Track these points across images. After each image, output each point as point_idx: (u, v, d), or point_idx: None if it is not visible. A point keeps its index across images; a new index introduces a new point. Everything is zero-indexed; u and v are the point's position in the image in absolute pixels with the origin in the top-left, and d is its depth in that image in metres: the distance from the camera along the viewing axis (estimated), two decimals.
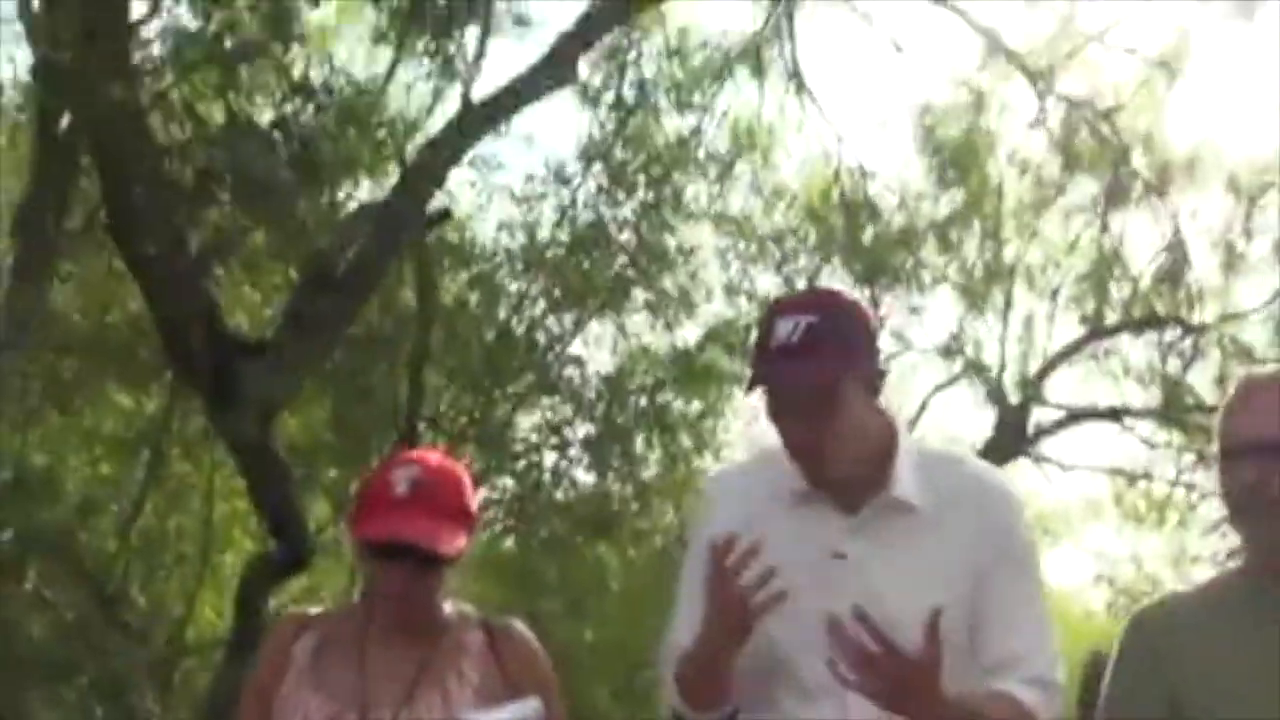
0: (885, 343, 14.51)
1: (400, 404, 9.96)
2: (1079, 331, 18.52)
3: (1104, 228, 16.36)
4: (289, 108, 6.93)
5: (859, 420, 2.57)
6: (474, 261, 10.15)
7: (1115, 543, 20.65)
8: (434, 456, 2.88)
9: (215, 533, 11.34)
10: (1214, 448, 2.43)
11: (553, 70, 9.08)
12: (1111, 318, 18.06)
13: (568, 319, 11.24)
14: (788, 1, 11.33)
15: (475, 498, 2.83)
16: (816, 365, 2.51)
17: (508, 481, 11.40)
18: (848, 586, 2.52)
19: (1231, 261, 17.54)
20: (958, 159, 16.90)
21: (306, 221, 7.14)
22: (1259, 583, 2.43)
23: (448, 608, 2.84)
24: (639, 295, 11.61)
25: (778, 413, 2.58)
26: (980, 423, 18.76)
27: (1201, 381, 17.64)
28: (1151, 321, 17.52)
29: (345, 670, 2.72)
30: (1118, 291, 17.72)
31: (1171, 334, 17.62)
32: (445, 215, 9.04)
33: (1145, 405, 18.54)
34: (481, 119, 8.85)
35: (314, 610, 2.92)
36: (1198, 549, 19.11)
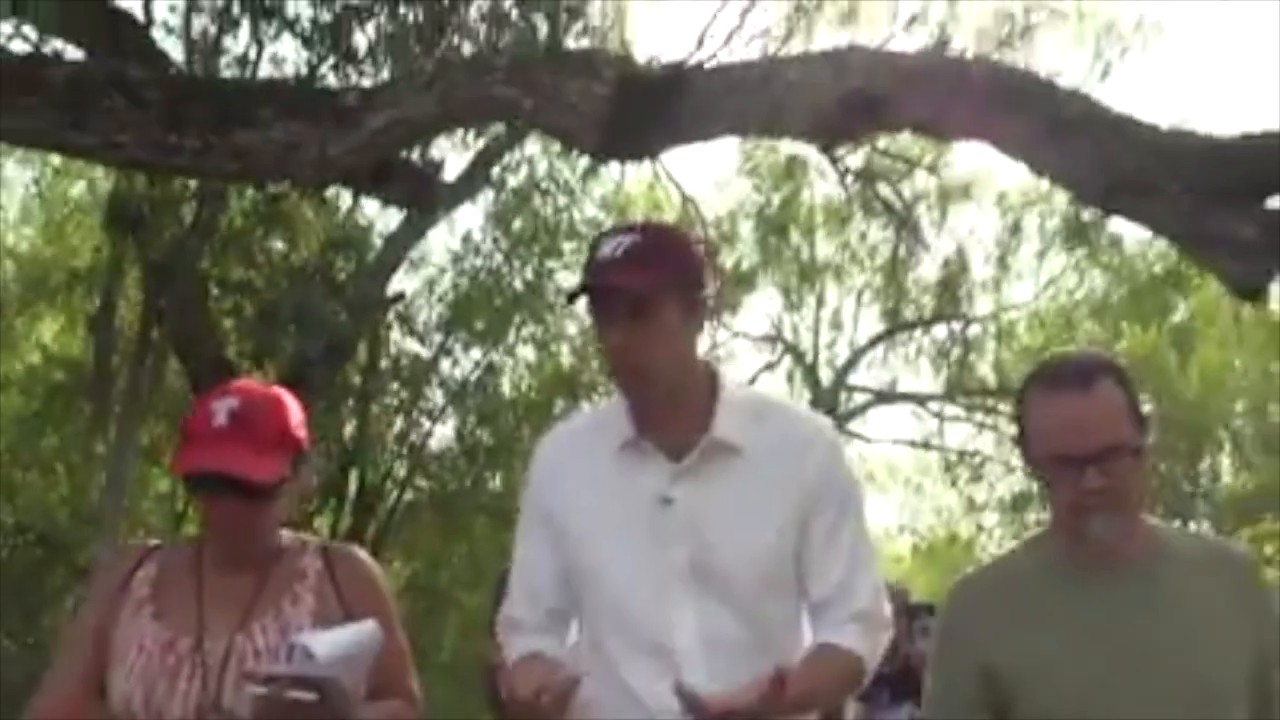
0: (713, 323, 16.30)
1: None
2: (880, 325, 20.92)
3: (899, 238, 18.12)
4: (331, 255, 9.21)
5: (678, 338, 2.59)
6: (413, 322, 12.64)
7: (915, 500, 24.00)
8: (255, 386, 2.80)
9: None
10: (1015, 428, 2.48)
11: (473, 182, 11.61)
12: (907, 313, 20.33)
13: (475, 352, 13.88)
14: None
15: (301, 424, 2.72)
16: (636, 273, 2.53)
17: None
18: (676, 531, 2.56)
19: (1003, 265, 20.17)
20: (777, 180, 19.53)
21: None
22: (1061, 559, 2.46)
23: (286, 535, 2.79)
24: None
25: (601, 323, 2.59)
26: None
27: (982, 364, 20.84)
28: (939, 316, 19.85)
29: (182, 599, 2.68)
30: (913, 291, 20.02)
31: (955, 325, 20.10)
32: (400, 297, 11.57)
33: (934, 389, 20.88)
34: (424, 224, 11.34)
35: (152, 542, 2.85)
36: (984, 500, 22.52)
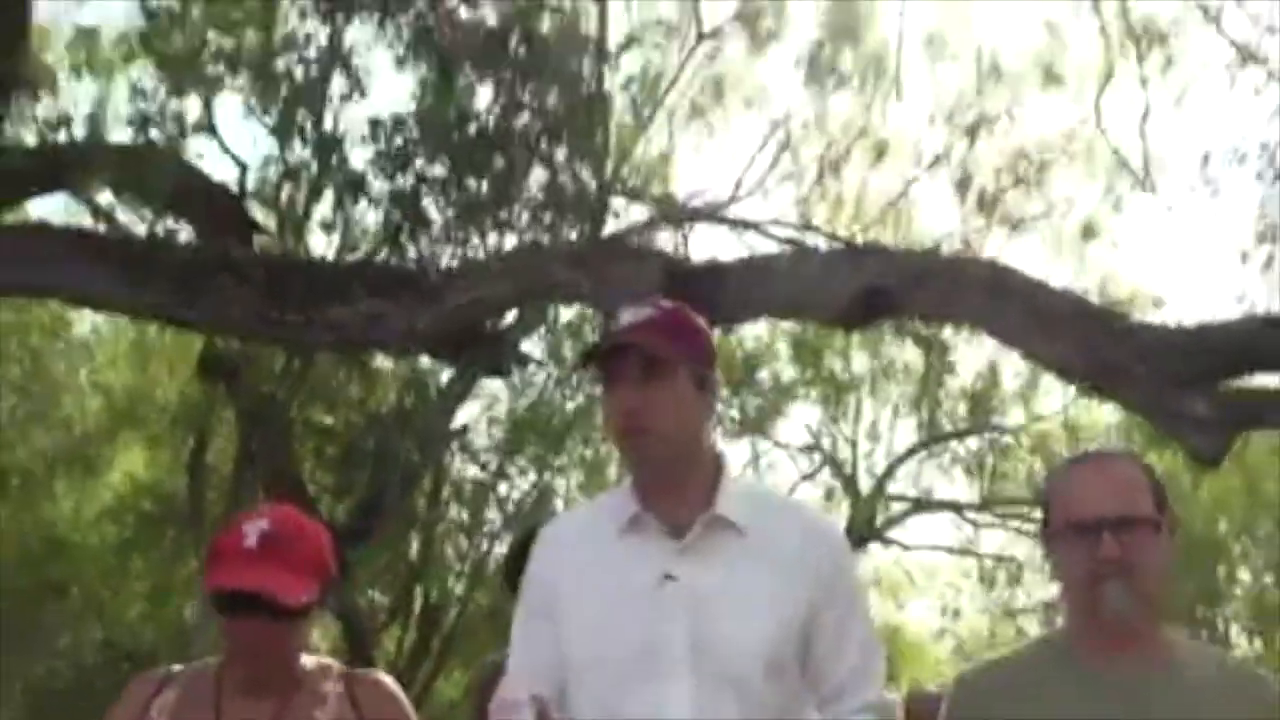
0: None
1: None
2: (916, 436, 21.26)
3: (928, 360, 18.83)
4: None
5: (690, 408, 2.61)
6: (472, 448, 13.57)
7: (956, 602, 24.49)
8: (286, 510, 2.79)
9: None
10: (1043, 531, 2.49)
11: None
12: (943, 424, 20.88)
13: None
14: None
15: (330, 551, 2.73)
16: (655, 336, 2.57)
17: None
18: (679, 607, 2.54)
19: (1034, 378, 19.98)
20: None
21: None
22: (1079, 646, 2.46)
23: (307, 661, 2.75)
24: None
25: (612, 384, 2.60)
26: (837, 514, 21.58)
27: (1015, 473, 21.47)
28: (972, 428, 20.55)
29: None
30: (945, 404, 20.60)
31: (990, 435, 20.75)
32: (464, 430, 12.56)
33: (970, 499, 21.52)
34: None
35: (174, 667, 2.81)
36: (1022, 603, 22.99)
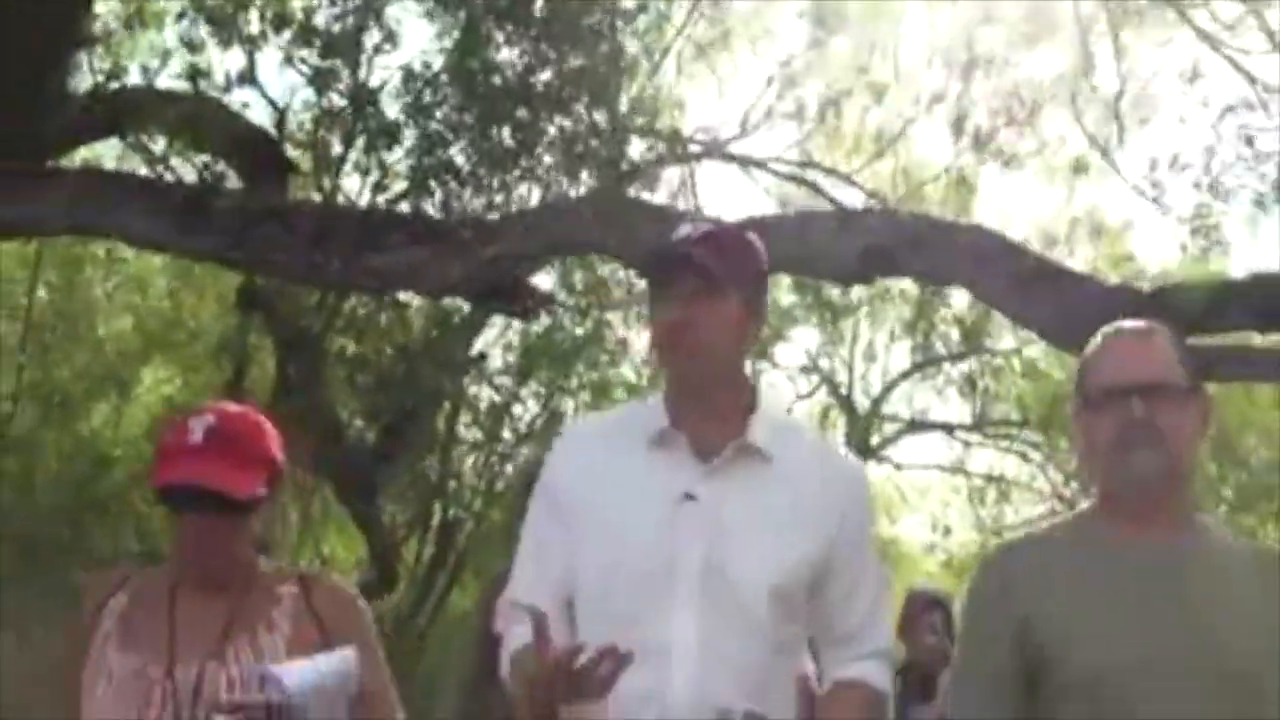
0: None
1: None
2: (910, 359, 22.28)
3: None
4: None
5: (736, 331, 2.58)
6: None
7: (946, 519, 25.27)
8: (232, 406, 2.74)
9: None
10: (1074, 402, 2.45)
11: None
12: (937, 347, 21.69)
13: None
14: None
15: (278, 445, 2.69)
16: (713, 254, 2.53)
17: None
18: (697, 527, 2.51)
19: None
20: None
21: None
22: (1109, 520, 2.41)
23: (261, 562, 2.71)
24: None
25: (663, 298, 2.56)
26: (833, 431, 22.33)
27: (1005, 395, 22.16)
28: (966, 350, 21.16)
29: (153, 625, 2.60)
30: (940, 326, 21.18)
31: (982, 359, 21.28)
32: (483, 356, 13.34)
33: (962, 419, 22.35)
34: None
35: (125, 572, 2.77)
36: (1010, 520, 23.76)
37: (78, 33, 8.37)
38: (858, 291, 22.17)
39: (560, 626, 2.47)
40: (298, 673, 2.47)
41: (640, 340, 13.94)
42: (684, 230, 2.62)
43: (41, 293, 12.83)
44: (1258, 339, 6.71)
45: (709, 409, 2.59)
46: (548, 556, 2.62)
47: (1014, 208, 18.95)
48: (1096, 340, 2.54)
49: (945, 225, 6.78)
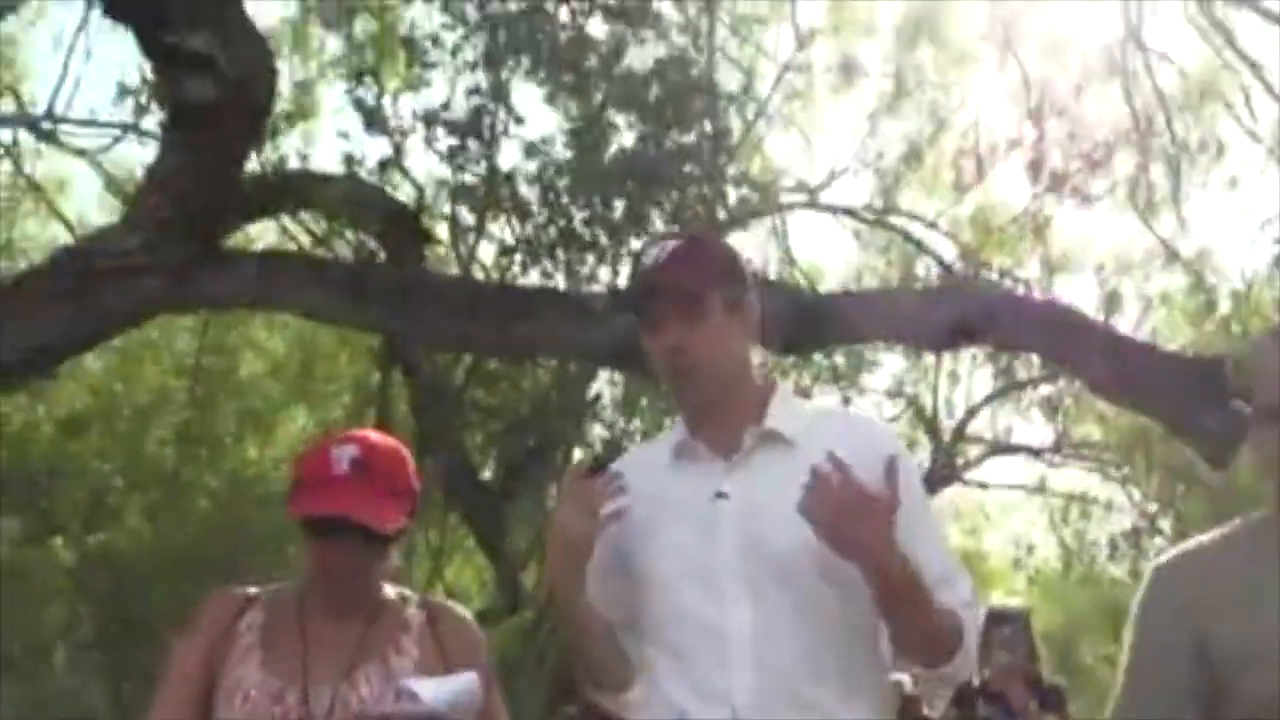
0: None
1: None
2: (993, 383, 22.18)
3: None
4: None
5: (726, 334, 2.62)
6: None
7: (1029, 537, 25.84)
8: (373, 435, 2.78)
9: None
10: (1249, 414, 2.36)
11: None
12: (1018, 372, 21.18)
13: None
14: None
15: (416, 477, 2.75)
16: (682, 271, 2.58)
17: None
18: (730, 523, 2.54)
19: None
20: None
21: None
22: (1272, 532, 2.30)
23: (388, 589, 2.77)
24: None
25: (650, 327, 2.61)
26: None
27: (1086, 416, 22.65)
28: (1047, 374, 20.10)
29: (287, 648, 2.65)
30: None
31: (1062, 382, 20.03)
32: (597, 399, 14.54)
33: (1044, 441, 22.69)
34: None
35: (252, 589, 2.79)
36: (1093, 537, 24.25)
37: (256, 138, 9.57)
38: None
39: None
40: (434, 686, 2.58)
41: None
42: (651, 254, 2.68)
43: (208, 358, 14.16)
44: None
45: (722, 412, 2.65)
46: (593, 582, 2.65)
47: (1092, 236, 19.38)
48: (1265, 344, 2.42)
49: (1016, 299, 7.76)
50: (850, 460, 2.43)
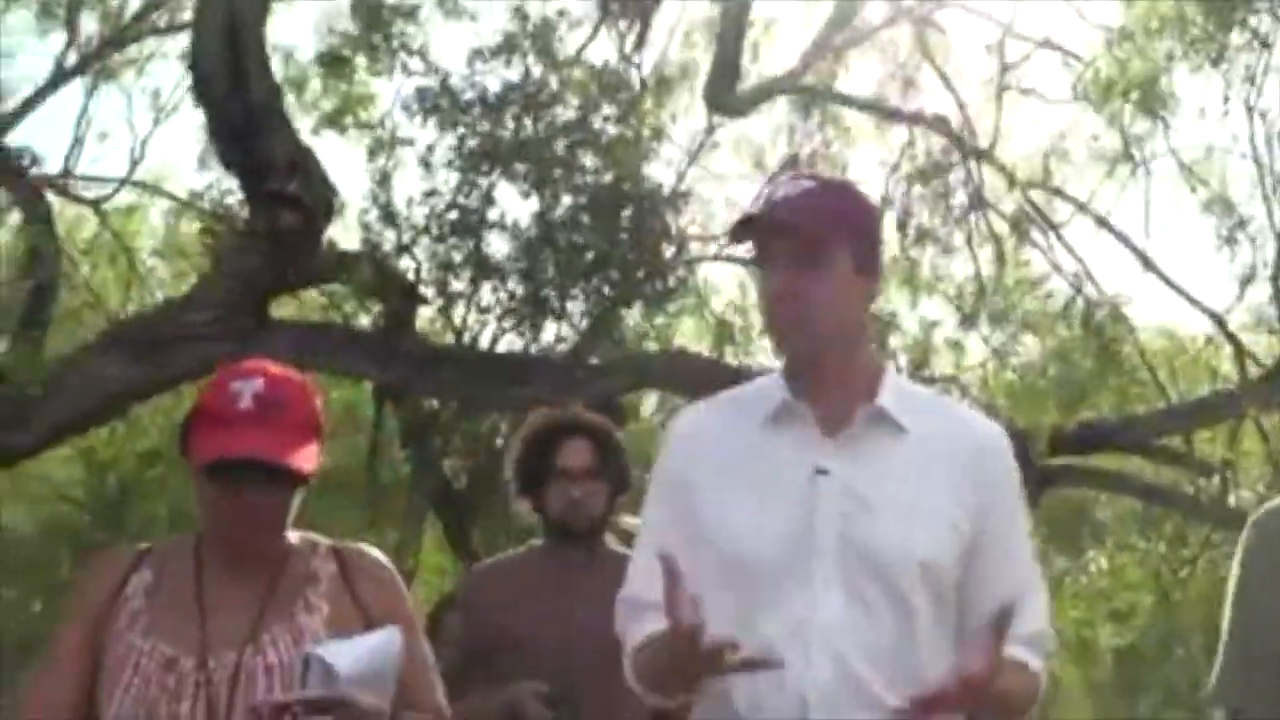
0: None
1: None
2: None
3: None
4: None
5: (849, 292, 2.40)
6: None
7: None
8: (275, 367, 2.53)
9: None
10: None
11: None
12: None
13: None
14: None
15: (323, 409, 2.52)
16: (809, 214, 2.36)
17: None
18: (832, 503, 2.36)
19: None
20: None
21: None
22: None
23: (291, 534, 2.55)
24: None
25: (764, 266, 2.42)
26: None
27: None
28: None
29: (180, 611, 2.43)
30: None
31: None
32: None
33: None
34: None
35: (142, 546, 2.55)
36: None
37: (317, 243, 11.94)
38: None
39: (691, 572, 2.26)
40: (348, 651, 2.32)
41: None
42: (783, 189, 2.45)
43: None
44: None
45: (830, 379, 2.46)
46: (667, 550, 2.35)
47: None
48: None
49: None
50: (957, 460, 2.42)
